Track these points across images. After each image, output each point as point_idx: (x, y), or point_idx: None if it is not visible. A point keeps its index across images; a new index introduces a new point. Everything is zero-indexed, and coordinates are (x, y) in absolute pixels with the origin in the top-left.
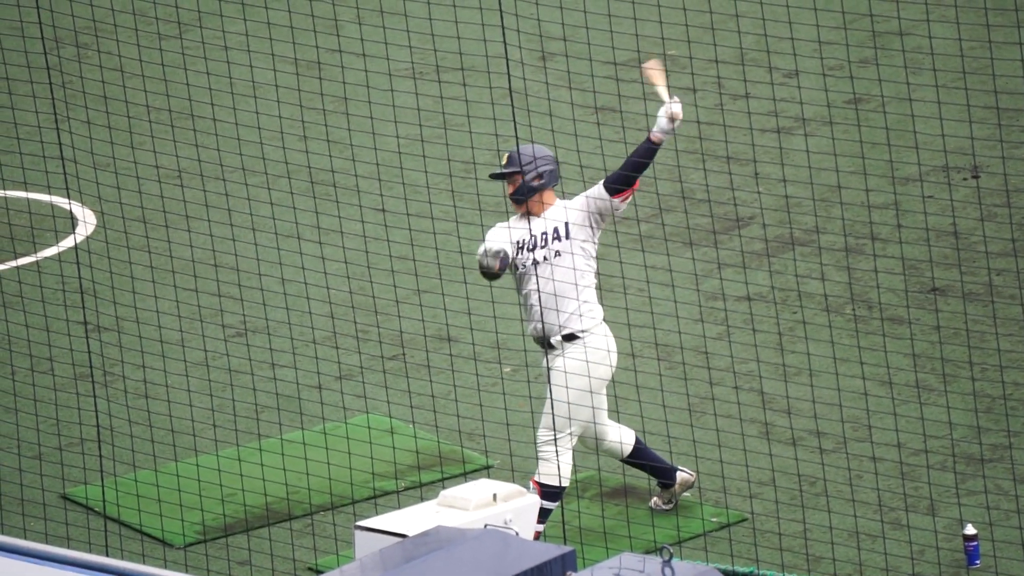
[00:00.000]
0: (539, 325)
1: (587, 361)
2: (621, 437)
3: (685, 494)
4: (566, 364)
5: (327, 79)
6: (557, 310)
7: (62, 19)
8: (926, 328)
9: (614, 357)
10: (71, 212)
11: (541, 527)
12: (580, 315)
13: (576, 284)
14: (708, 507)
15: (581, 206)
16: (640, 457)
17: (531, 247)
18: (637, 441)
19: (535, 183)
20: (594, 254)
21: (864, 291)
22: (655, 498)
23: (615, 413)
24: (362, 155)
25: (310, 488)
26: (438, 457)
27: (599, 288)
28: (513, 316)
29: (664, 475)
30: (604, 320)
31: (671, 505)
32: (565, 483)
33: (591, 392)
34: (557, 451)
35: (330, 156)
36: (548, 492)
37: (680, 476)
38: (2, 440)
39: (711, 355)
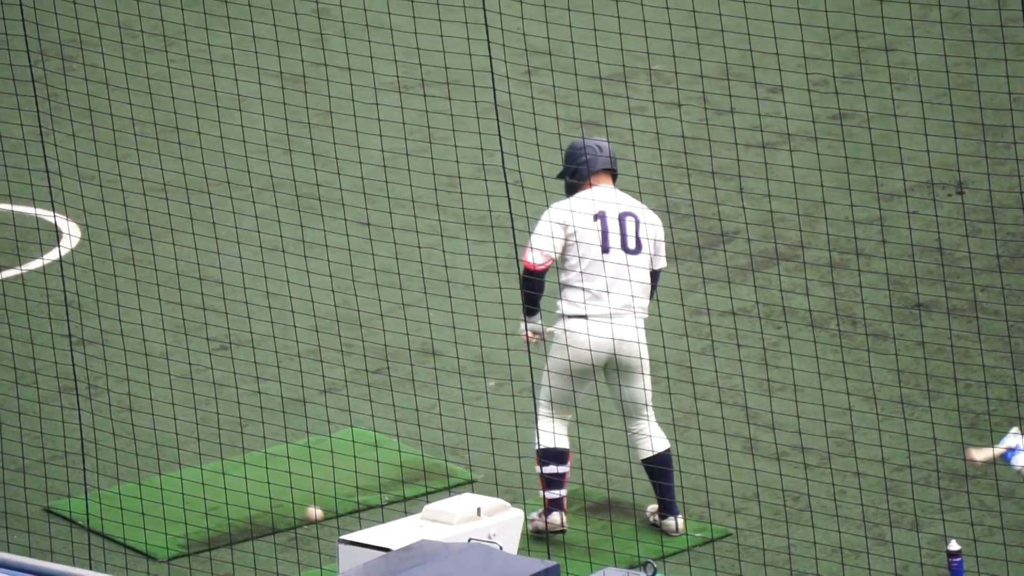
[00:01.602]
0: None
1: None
2: (652, 444)
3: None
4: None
5: (312, 92)
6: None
7: (47, 31)
8: (910, 344)
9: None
10: (56, 225)
11: (555, 494)
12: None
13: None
14: (692, 522)
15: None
16: (655, 476)
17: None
18: (663, 457)
19: (571, 181)
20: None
21: (848, 306)
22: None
23: (598, 428)
24: (347, 168)
25: (294, 502)
26: (422, 471)
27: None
28: (498, 330)
29: (663, 507)
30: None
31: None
32: (560, 444)
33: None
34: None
35: (315, 169)
36: (544, 457)
37: (672, 522)
38: None
39: (695, 370)
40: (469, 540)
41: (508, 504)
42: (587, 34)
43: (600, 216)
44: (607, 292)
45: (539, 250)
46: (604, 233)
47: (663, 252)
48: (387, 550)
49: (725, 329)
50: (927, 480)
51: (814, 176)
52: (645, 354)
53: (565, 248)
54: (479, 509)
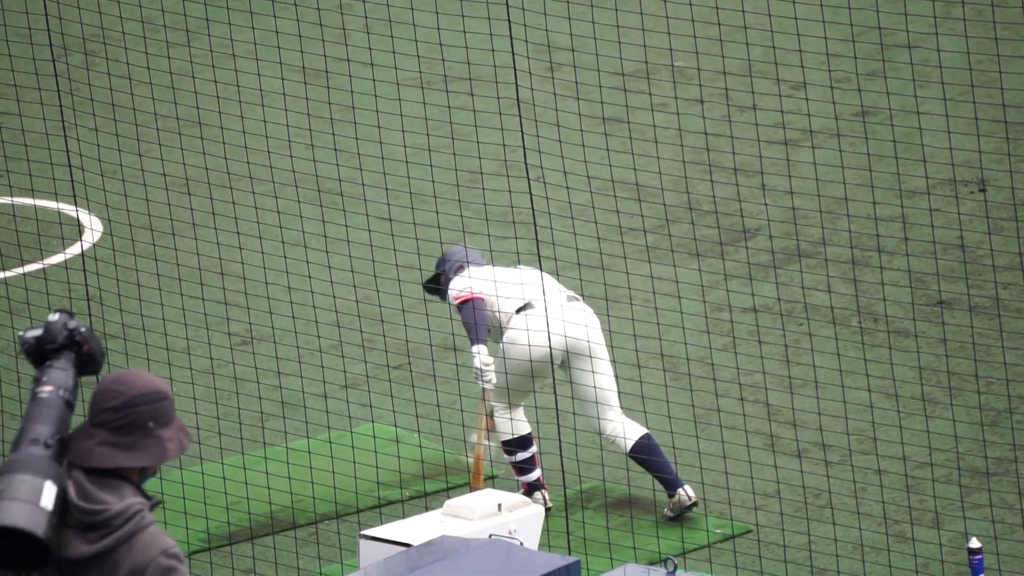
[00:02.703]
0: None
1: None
2: (624, 432)
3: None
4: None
5: (334, 88)
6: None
7: (70, 26)
8: (932, 341)
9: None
10: (78, 220)
11: (531, 477)
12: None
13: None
14: (713, 519)
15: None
16: (645, 464)
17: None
18: (644, 440)
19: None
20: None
21: (870, 304)
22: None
23: (619, 424)
24: (369, 164)
25: (315, 497)
26: (443, 467)
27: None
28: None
29: (665, 484)
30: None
31: (674, 515)
32: (519, 430)
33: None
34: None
35: (337, 165)
36: (509, 446)
37: (681, 494)
38: (8, 448)
39: (717, 366)
40: (490, 536)
41: (529, 500)
42: (610, 30)
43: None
44: (537, 288)
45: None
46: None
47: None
48: (408, 545)
49: (747, 326)
50: (948, 477)
51: (836, 173)
52: (597, 338)
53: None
54: (500, 505)
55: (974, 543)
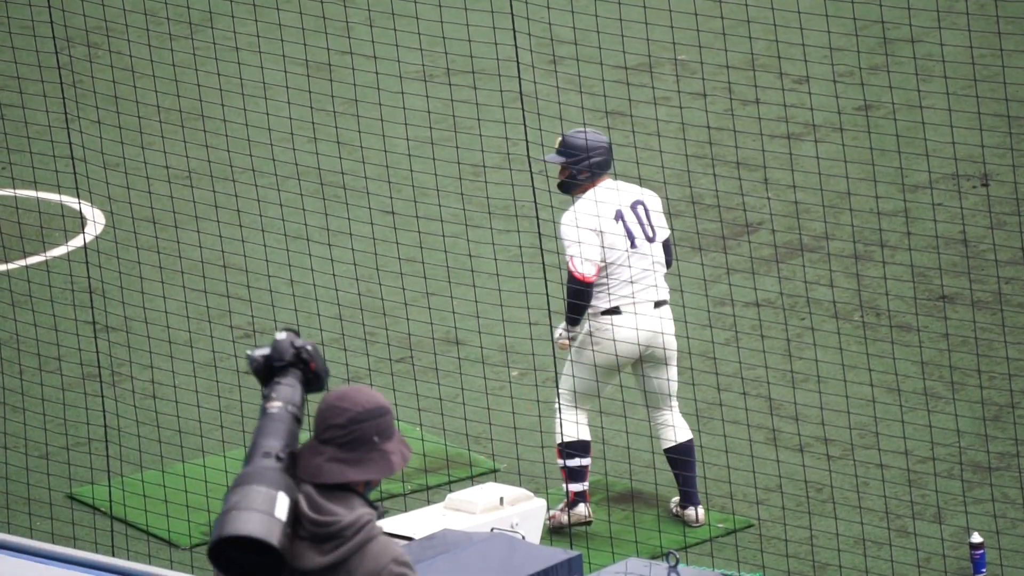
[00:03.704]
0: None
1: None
2: (675, 433)
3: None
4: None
5: (337, 80)
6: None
7: (73, 18)
8: (934, 336)
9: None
10: (80, 212)
11: (579, 487)
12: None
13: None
14: (715, 513)
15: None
16: (677, 467)
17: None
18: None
19: (581, 177)
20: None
21: (872, 298)
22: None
23: (621, 418)
24: (372, 157)
25: None
26: (445, 460)
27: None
28: (522, 320)
29: (685, 497)
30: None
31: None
32: (583, 435)
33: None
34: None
35: (339, 158)
36: (569, 448)
37: (692, 512)
38: (9, 439)
39: (719, 361)
40: (492, 529)
41: (531, 494)
42: (612, 24)
43: (619, 215)
44: (638, 284)
45: (588, 260)
46: (628, 231)
47: (665, 223)
48: (410, 539)
49: (749, 320)
50: (950, 472)
51: (839, 167)
52: (674, 345)
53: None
54: (502, 499)
55: (976, 538)
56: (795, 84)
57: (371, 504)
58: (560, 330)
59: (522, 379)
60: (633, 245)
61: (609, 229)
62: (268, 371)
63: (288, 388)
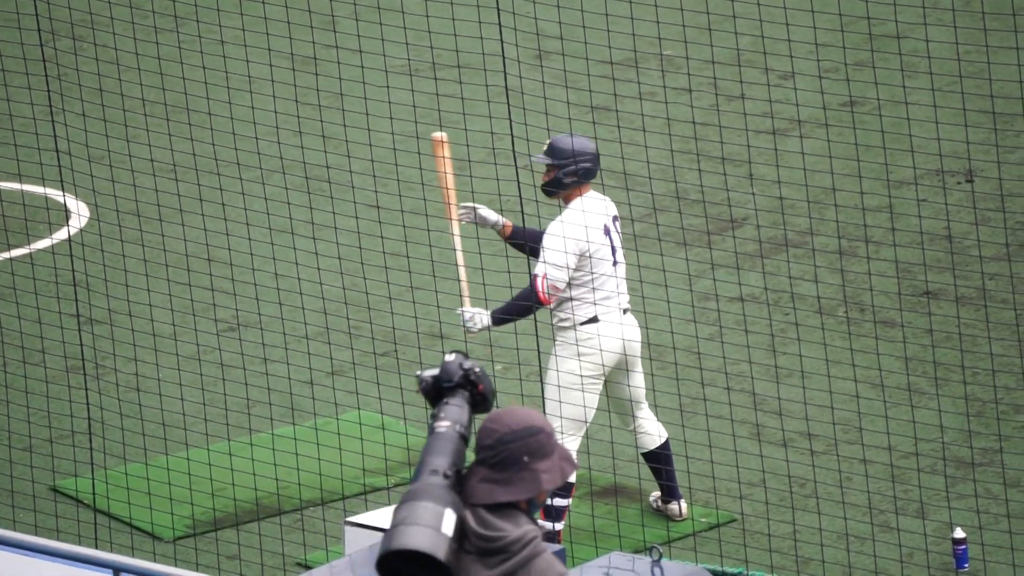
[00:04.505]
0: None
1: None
2: (649, 431)
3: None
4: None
5: (323, 75)
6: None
7: (58, 11)
8: (918, 331)
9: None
10: (65, 204)
11: (558, 527)
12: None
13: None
14: (698, 507)
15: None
16: (660, 466)
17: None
18: (662, 449)
19: (566, 181)
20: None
21: (857, 293)
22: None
23: (605, 412)
24: (357, 151)
25: (300, 483)
26: None
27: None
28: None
29: (667, 492)
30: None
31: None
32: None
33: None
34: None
35: (325, 152)
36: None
37: (675, 506)
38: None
39: (703, 355)
40: None
41: None
42: (598, 19)
43: (606, 230)
44: (616, 294)
45: (553, 284)
46: (613, 246)
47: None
48: None
49: (733, 315)
50: (933, 468)
51: (824, 163)
52: (640, 351)
53: (577, 265)
54: None
55: (959, 533)
56: (780, 80)
57: (534, 521)
58: (479, 315)
59: (506, 373)
60: (616, 263)
61: (598, 242)
62: (437, 392)
63: (456, 408)
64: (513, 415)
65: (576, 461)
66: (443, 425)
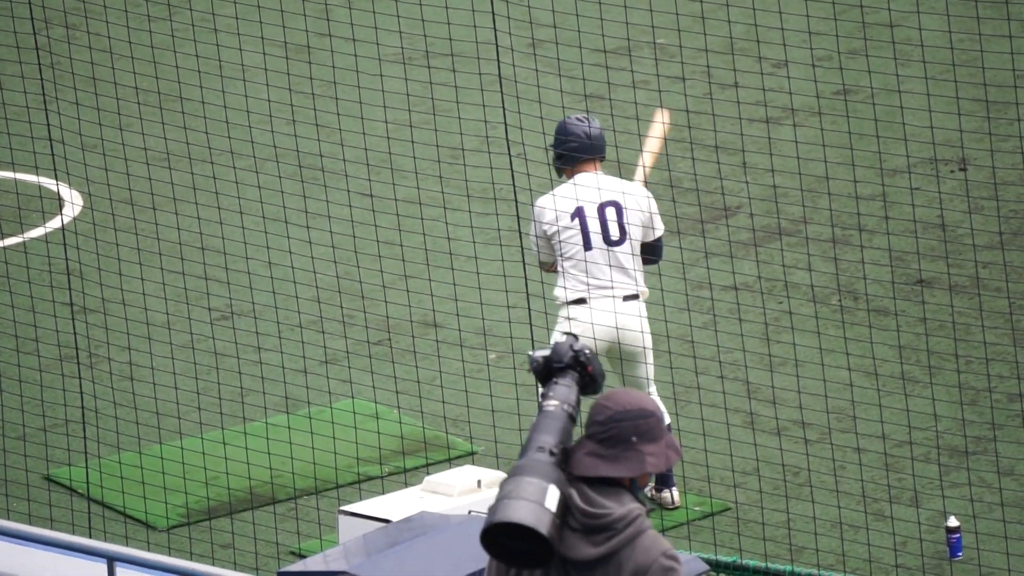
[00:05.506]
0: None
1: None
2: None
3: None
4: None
5: (316, 63)
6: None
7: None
8: (912, 320)
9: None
10: (58, 193)
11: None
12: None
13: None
14: (691, 496)
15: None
16: None
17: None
18: None
19: (558, 162)
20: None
21: (850, 282)
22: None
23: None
24: (350, 139)
25: (294, 472)
26: (423, 443)
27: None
28: (500, 303)
29: (660, 479)
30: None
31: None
32: None
33: None
34: None
35: (318, 140)
36: None
37: (668, 495)
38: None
39: (696, 344)
40: (469, 512)
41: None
42: (592, 7)
43: (578, 214)
44: (593, 283)
45: (541, 260)
46: (584, 232)
47: (657, 224)
48: (387, 521)
49: (727, 304)
50: (927, 456)
51: (817, 151)
52: (648, 343)
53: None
54: (479, 481)
55: (952, 521)
56: (774, 68)
57: (639, 500)
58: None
59: (500, 362)
60: (588, 248)
61: (564, 226)
62: (547, 372)
63: (565, 388)
64: (628, 395)
65: (681, 451)
66: (552, 404)
